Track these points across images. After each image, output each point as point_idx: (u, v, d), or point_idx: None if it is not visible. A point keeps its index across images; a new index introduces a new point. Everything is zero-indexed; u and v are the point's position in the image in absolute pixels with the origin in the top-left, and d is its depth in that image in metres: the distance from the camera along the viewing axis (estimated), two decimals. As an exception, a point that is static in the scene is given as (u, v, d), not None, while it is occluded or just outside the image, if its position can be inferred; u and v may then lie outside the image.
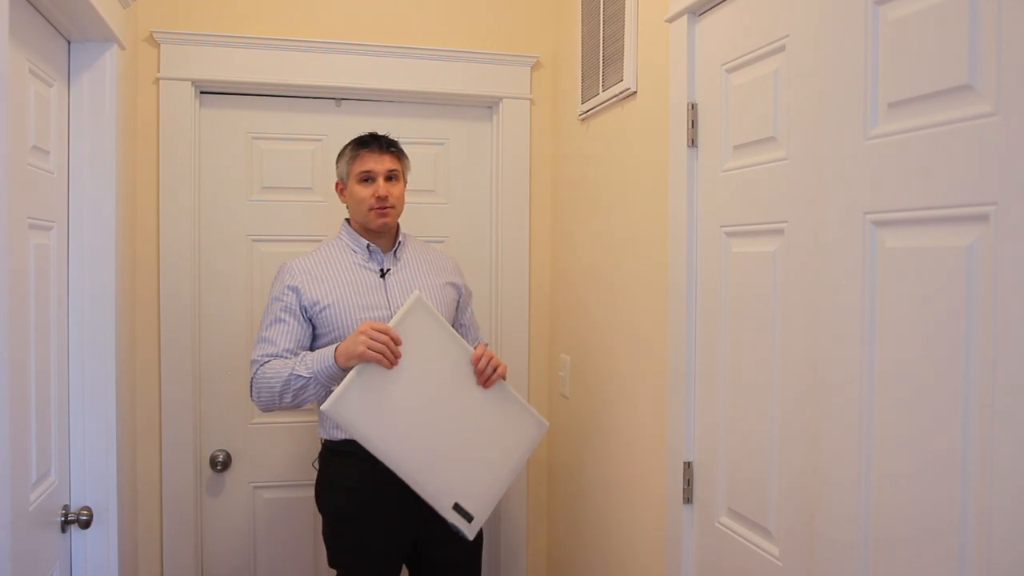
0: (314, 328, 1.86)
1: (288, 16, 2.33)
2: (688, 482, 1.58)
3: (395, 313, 1.73)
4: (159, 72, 2.22)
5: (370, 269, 1.91)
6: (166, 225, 2.24)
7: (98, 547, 1.84)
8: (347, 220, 1.99)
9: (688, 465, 1.58)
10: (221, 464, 2.34)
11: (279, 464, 2.40)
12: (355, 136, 1.97)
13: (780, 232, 1.28)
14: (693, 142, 1.56)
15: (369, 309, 1.85)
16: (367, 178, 1.89)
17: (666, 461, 1.65)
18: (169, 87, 2.24)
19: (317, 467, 1.94)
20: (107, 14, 1.75)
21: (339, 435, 1.83)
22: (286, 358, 1.79)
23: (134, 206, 2.19)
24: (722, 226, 1.46)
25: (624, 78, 1.88)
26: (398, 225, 1.98)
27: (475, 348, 1.78)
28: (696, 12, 1.54)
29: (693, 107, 1.56)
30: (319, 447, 1.94)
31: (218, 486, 2.37)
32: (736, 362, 1.43)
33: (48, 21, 1.66)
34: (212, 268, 2.35)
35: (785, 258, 1.27)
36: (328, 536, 1.89)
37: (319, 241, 2.40)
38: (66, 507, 1.76)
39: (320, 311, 1.84)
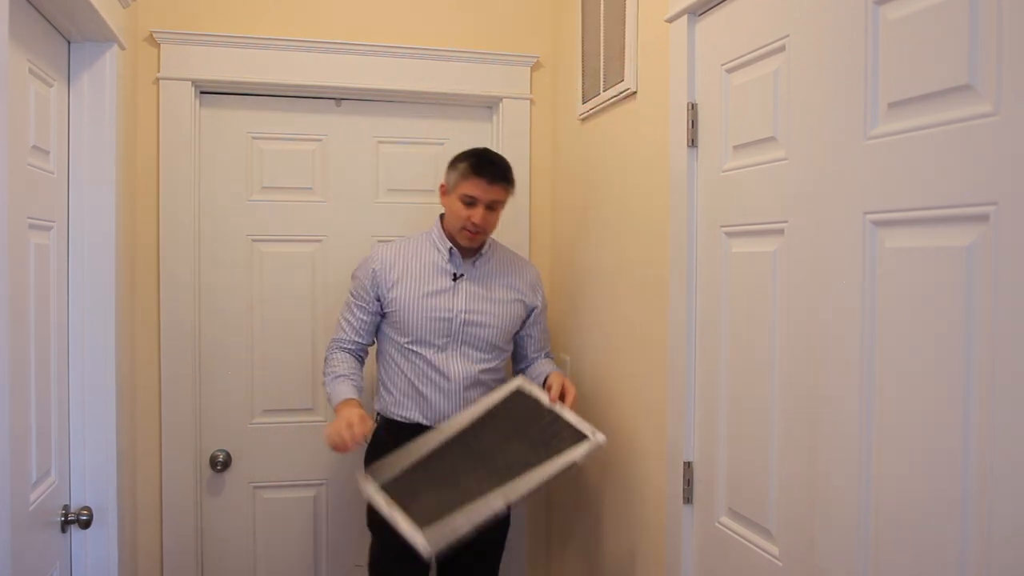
0: (383, 308, 1.99)
1: (288, 16, 2.33)
2: (688, 482, 1.58)
3: (458, 316, 1.96)
4: (159, 72, 2.22)
5: (446, 271, 1.99)
6: (166, 225, 2.24)
7: (98, 547, 1.84)
8: (441, 216, 2.05)
9: (688, 465, 1.58)
10: (221, 464, 2.34)
11: (279, 464, 2.40)
12: (468, 153, 2.01)
13: (780, 232, 1.28)
14: (693, 142, 1.56)
15: (434, 309, 1.96)
16: (470, 202, 1.93)
17: (666, 461, 1.65)
18: (169, 87, 2.24)
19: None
20: (107, 14, 1.75)
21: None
22: (348, 349, 2.02)
23: (134, 206, 2.18)
24: (722, 226, 1.46)
25: (624, 78, 1.88)
26: None
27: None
28: (696, 12, 1.54)
29: (693, 107, 1.56)
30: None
31: (218, 486, 2.37)
32: (736, 362, 1.43)
33: (48, 21, 1.66)
34: (212, 268, 2.35)
35: (785, 258, 1.27)
36: None
37: (319, 241, 2.41)
38: (66, 507, 1.76)
39: (391, 300, 1.97)
